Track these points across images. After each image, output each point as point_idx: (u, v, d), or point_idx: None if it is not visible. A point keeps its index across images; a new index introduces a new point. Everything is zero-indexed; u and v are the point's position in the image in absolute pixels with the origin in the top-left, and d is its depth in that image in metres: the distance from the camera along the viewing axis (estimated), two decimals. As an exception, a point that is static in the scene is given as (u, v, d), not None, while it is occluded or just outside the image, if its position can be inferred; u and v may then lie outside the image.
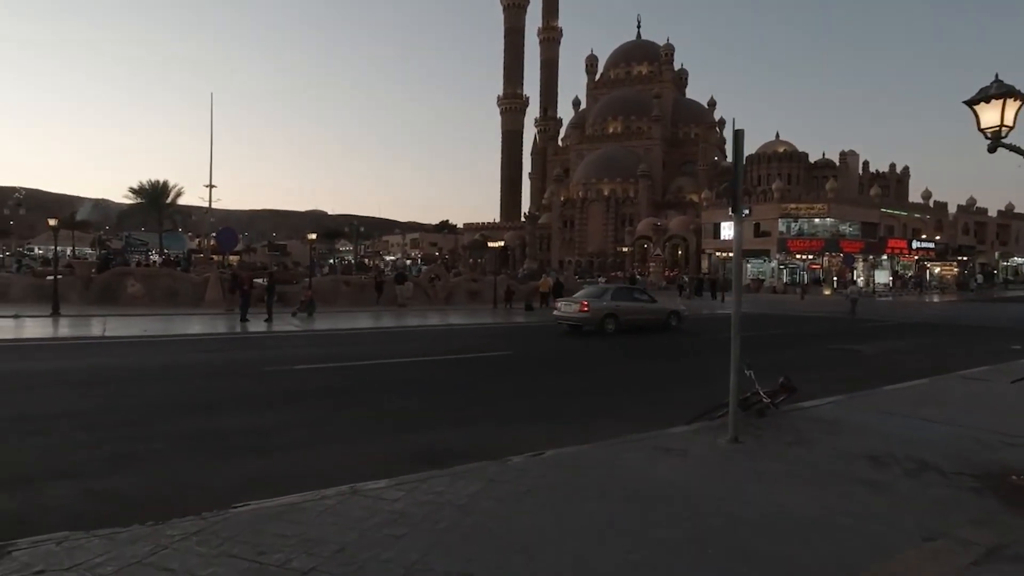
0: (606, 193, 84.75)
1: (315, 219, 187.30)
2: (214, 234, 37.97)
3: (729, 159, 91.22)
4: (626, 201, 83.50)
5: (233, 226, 34.75)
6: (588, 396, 9.27)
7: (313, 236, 27.29)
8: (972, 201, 66.23)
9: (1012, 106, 5.45)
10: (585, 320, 17.99)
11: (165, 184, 50.37)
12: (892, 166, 77.89)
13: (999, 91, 5.45)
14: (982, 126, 5.55)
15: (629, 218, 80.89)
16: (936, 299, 43.03)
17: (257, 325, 18.03)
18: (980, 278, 59.65)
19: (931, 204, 60.84)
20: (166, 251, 49.47)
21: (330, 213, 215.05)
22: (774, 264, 54.39)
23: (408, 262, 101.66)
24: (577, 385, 10.13)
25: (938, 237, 59.40)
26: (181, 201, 53.01)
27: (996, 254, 68.06)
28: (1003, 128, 5.48)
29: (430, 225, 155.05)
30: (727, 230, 59.58)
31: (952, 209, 63.45)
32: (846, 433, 6.68)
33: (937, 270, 58.37)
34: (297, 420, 7.35)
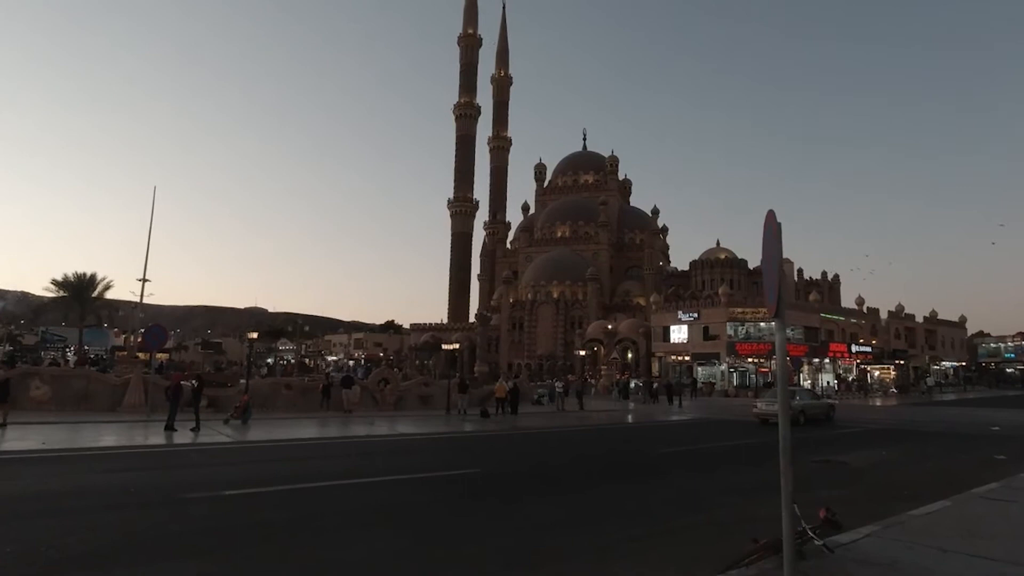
0: (556, 295, 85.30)
1: (254, 317, 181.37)
2: (142, 330, 35.20)
3: (673, 264, 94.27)
4: (575, 304, 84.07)
5: (166, 322, 32.23)
6: (585, 527, 7.80)
7: (254, 335, 25.32)
8: (901, 308, 69.68)
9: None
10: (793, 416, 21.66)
11: (92, 277, 47.32)
12: (824, 273, 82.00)
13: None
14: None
15: (579, 320, 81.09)
16: (879, 402, 43.62)
17: (183, 435, 15.79)
18: (931, 380, 61.67)
19: (865, 310, 63.55)
20: (86, 348, 45.61)
21: (271, 311, 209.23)
22: (723, 367, 54.66)
23: (351, 363, 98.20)
24: (568, 512, 8.65)
25: (874, 341, 61.55)
26: (111, 295, 49.80)
27: (926, 358, 70.89)
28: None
29: (375, 325, 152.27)
30: (677, 333, 60.12)
31: (884, 315, 66.41)
32: (910, 582, 5.50)
33: (877, 373, 59.95)
34: (223, 577, 5.62)
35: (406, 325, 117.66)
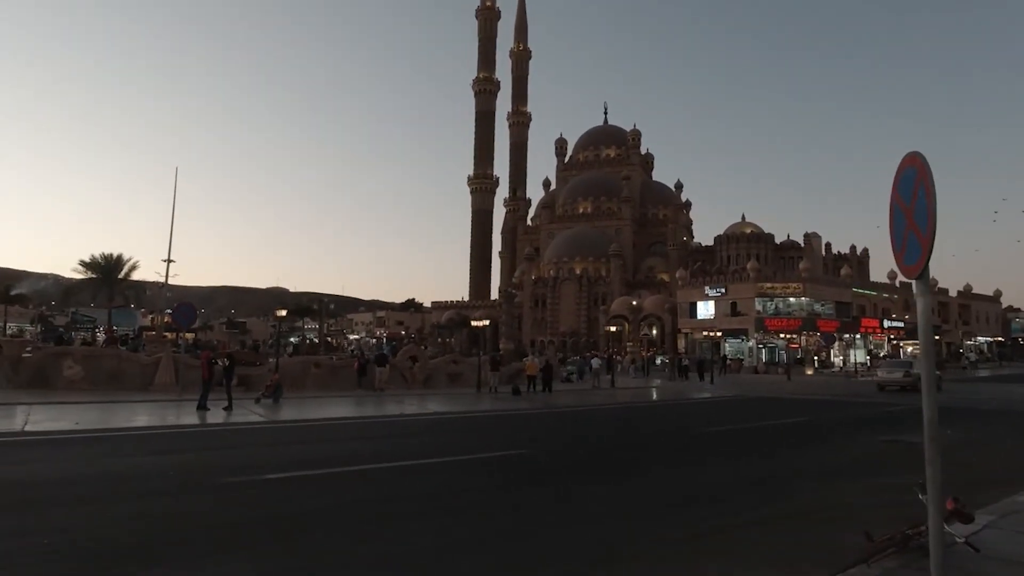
0: (578, 272, 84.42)
1: (276, 296, 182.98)
2: (169, 310, 35.15)
3: (696, 240, 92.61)
4: (598, 280, 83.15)
5: (191, 302, 32.04)
6: (657, 516, 7.16)
7: (283, 312, 24.95)
8: (934, 282, 67.70)
9: None
10: (907, 383, 27.49)
11: (119, 258, 47.48)
12: (853, 247, 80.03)
13: None
14: None
15: (602, 297, 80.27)
16: (920, 380, 42.32)
17: (216, 415, 15.44)
18: (973, 356, 60.23)
19: (897, 284, 61.85)
20: (115, 328, 45.90)
21: (292, 291, 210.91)
22: (751, 343, 53.66)
23: (373, 341, 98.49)
24: (632, 499, 8.02)
25: (907, 317, 60.01)
26: (136, 276, 49.94)
27: (960, 333, 69.11)
28: None
29: (395, 303, 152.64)
30: (703, 309, 59.11)
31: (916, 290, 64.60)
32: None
33: (910, 349, 58.50)
34: None
35: (427, 303, 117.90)
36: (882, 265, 75.58)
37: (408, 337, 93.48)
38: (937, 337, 60.74)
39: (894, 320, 57.75)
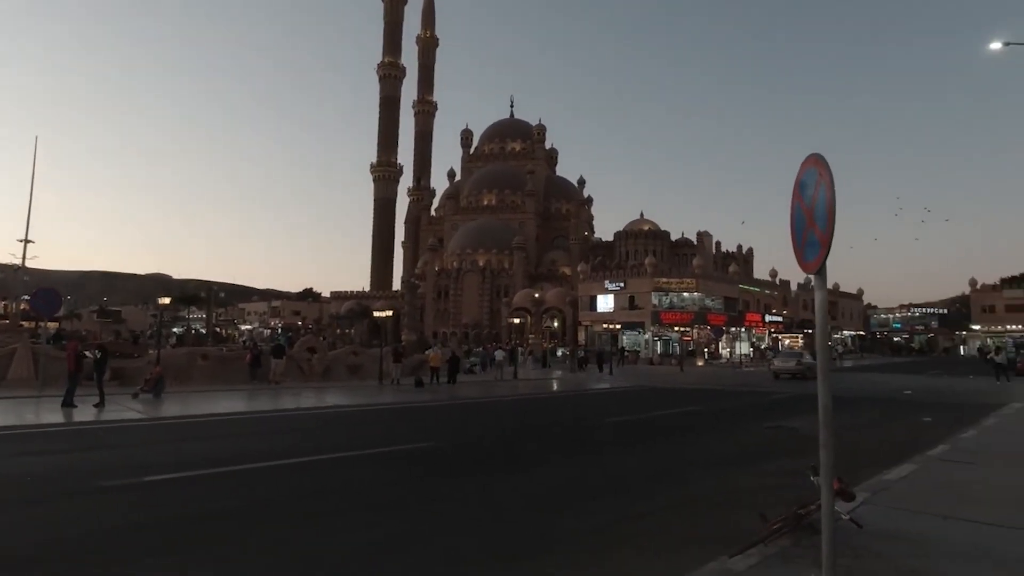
0: (482, 264, 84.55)
1: (158, 283, 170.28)
2: (27, 296, 31.49)
3: (597, 235, 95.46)
4: (501, 273, 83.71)
5: (56, 288, 28.87)
6: (567, 506, 7.17)
7: (166, 300, 22.98)
8: (808, 280, 73.82)
9: None
10: (799, 371, 31.23)
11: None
12: (739, 246, 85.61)
13: None
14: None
15: (505, 289, 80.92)
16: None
17: (85, 412, 13.96)
18: (840, 348, 65.85)
19: (777, 282, 66.88)
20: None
21: (176, 277, 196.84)
22: (648, 336, 56.06)
23: (267, 332, 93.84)
24: (541, 490, 8.01)
25: (785, 312, 65.03)
26: (-10, 258, 44.32)
27: (829, 327, 75.84)
28: None
29: (292, 293, 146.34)
30: (603, 302, 61.05)
31: (794, 287, 70.21)
32: (942, 556, 5.21)
33: (787, 342, 63.46)
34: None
35: (325, 293, 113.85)
36: (764, 263, 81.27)
37: (305, 328, 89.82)
38: (809, 331, 66.34)
39: (774, 315, 62.40)
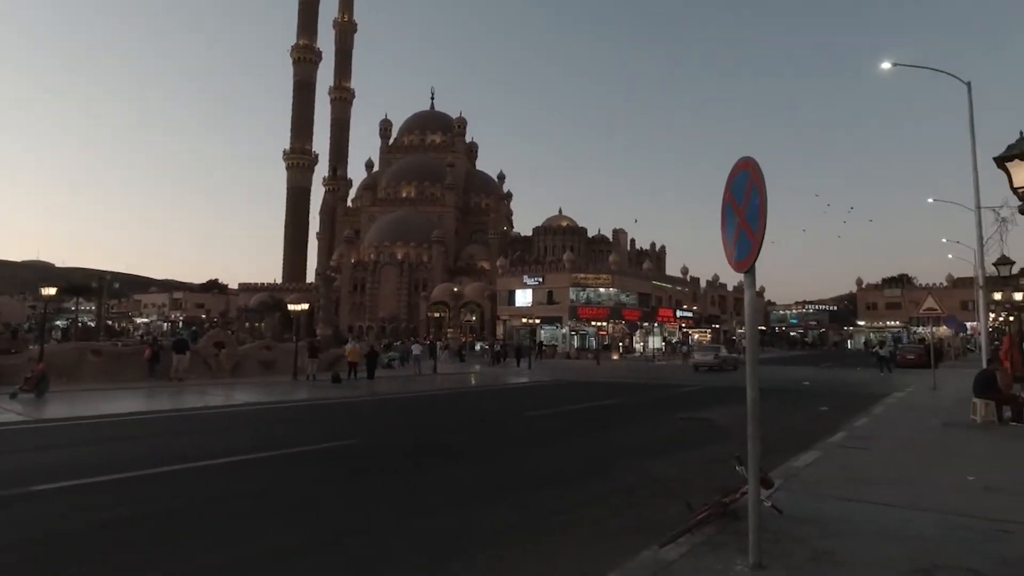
0: (400, 257, 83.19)
1: (38, 271, 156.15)
2: None
3: (516, 230, 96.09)
4: (420, 266, 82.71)
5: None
6: (496, 501, 7.10)
7: (51, 291, 20.96)
8: (716, 277, 77.81)
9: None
10: (716, 364, 33.87)
11: None
12: (653, 244, 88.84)
13: (1034, 145, 4.94)
14: (1016, 185, 4.97)
15: (423, 283, 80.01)
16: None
17: (-46, 415, 12.50)
18: (744, 343, 69.53)
19: (688, 279, 69.92)
20: None
21: (59, 265, 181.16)
22: (565, 330, 57.10)
23: (166, 326, 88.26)
24: (470, 485, 7.89)
25: (695, 307, 68.11)
26: None
27: (734, 323, 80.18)
28: (1035, 186, 4.96)
29: (195, 284, 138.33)
30: (521, 297, 61.58)
31: (703, 284, 73.66)
32: (849, 536, 5.55)
33: (696, 336, 66.50)
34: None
35: (232, 285, 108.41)
36: (676, 260, 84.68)
37: (211, 321, 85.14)
38: (716, 325, 69.88)
39: (685, 310, 65.22)
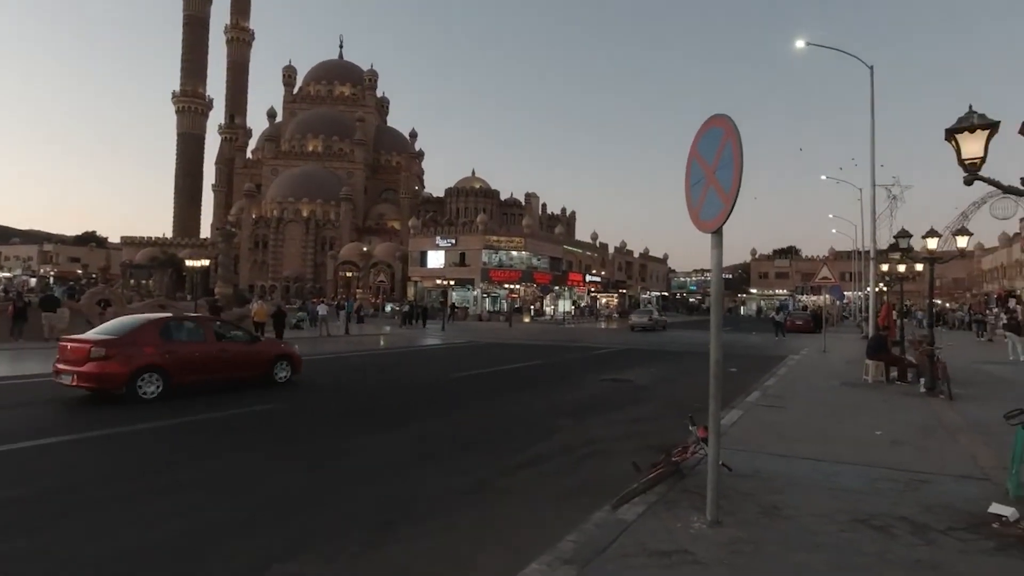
0: (305, 214, 79.48)
1: None
2: None
3: (428, 190, 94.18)
4: (327, 224, 79.49)
5: None
6: (439, 464, 6.86)
7: None
8: (623, 244, 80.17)
9: (981, 136, 5.19)
10: (650, 325, 39.53)
11: None
12: (563, 209, 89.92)
13: (982, 122, 5.14)
14: (963, 157, 5.16)
15: (330, 242, 77.09)
16: (614, 326, 49.58)
17: None
18: (651, 307, 72.00)
19: (598, 244, 71.56)
20: None
21: None
22: (477, 293, 57.05)
23: (33, 281, 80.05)
24: (407, 448, 7.60)
25: (603, 273, 70.00)
26: None
27: (639, 288, 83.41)
28: (981, 160, 5.18)
29: (67, 236, 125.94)
30: (433, 258, 60.71)
31: (611, 250, 75.71)
32: (790, 491, 5.81)
33: (604, 300, 68.55)
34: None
35: (113, 238, 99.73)
36: (586, 226, 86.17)
37: (89, 277, 78.07)
38: (624, 291, 72.33)
39: (594, 275, 66.87)
